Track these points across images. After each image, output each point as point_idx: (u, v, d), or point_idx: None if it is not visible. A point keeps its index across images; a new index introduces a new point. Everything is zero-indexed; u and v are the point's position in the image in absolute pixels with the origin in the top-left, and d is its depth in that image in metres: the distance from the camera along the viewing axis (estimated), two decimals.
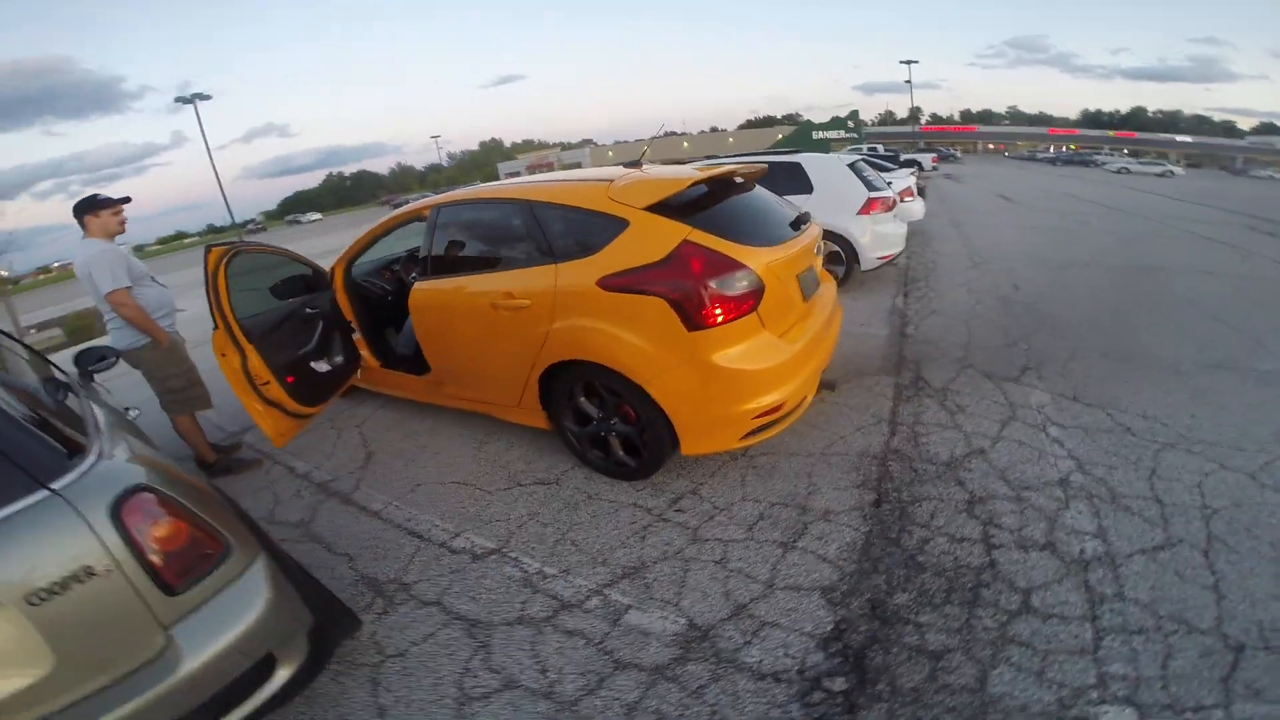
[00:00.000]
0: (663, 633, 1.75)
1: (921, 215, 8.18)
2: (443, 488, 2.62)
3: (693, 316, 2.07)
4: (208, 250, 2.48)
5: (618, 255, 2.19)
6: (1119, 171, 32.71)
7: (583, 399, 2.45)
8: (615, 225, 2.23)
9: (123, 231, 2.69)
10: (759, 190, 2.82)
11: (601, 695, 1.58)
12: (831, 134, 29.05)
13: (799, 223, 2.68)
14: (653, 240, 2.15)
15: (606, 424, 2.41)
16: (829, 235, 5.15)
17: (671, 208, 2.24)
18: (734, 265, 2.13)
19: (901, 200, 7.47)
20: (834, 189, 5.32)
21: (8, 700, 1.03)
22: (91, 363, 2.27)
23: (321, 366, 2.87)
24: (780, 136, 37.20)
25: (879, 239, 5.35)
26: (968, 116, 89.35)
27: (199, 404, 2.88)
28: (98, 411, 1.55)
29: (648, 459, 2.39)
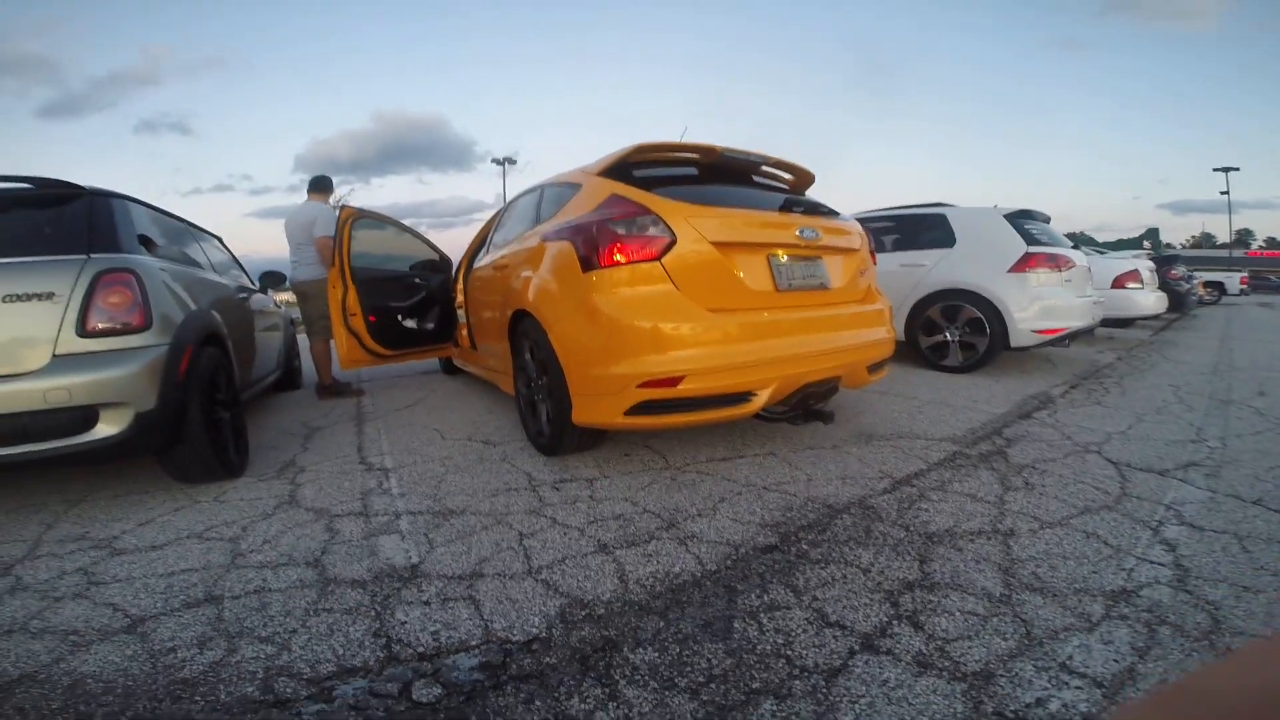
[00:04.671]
0: (388, 560, 1.56)
1: (1151, 310, 6.53)
2: (424, 432, 2.87)
3: (589, 255, 2.03)
4: (341, 208, 3.40)
5: (567, 214, 2.32)
6: None
7: (528, 356, 2.42)
8: (572, 190, 2.41)
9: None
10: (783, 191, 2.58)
11: (306, 565, 1.49)
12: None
13: (794, 205, 2.35)
14: (590, 198, 2.23)
15: (538, 385, 2.35)
16: (965, 295, 3.94)
17: (635, 179, 2.22)
18: (639, 209, 2.02)
19: (1119, 285, 6.23)
20: (979, 240, 4.09)
21: None
22: (270, 280, 3.58)
23: (409, 323, 3.57)
24: None
25: (1039, 306, 3.80)
26: None
27: (328, 333, 3.74)
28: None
29: (551, 432, 2.24)
